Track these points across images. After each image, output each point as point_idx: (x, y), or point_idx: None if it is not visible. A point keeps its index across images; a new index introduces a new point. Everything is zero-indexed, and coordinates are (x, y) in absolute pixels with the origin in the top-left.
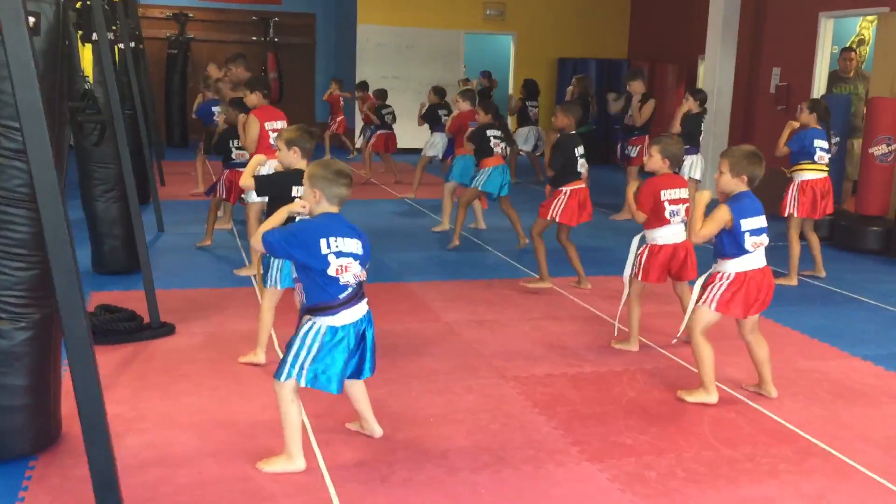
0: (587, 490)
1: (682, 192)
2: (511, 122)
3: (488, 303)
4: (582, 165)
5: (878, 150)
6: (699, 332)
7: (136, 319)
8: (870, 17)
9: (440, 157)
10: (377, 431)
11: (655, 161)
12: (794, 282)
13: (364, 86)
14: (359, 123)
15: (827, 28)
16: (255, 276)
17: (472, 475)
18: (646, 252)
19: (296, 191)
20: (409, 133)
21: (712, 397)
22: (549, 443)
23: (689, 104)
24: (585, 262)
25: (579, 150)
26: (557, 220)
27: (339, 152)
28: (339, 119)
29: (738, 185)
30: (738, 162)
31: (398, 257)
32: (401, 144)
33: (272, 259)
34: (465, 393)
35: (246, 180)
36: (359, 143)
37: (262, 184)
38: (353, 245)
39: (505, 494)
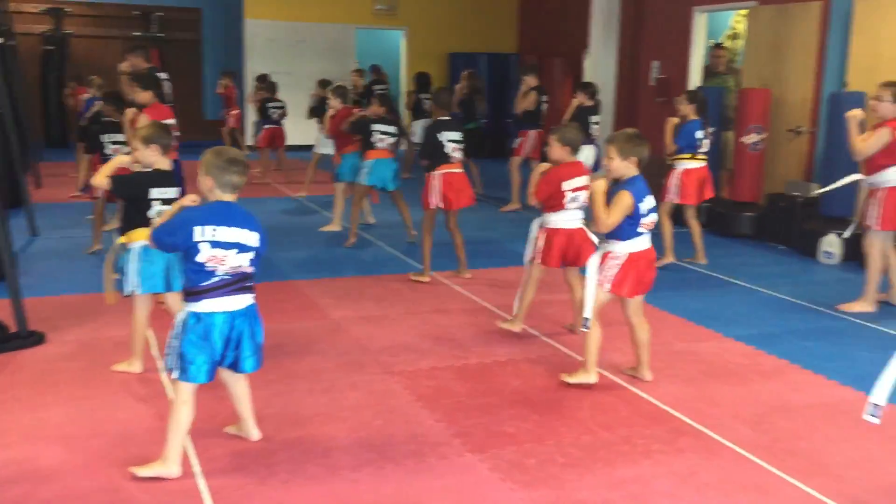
0: (467, 481)
1: (583, 180)
2: (406, 116)
3: (377, 298)
4: (454, 150)
5: (750, 139)
6: (595, 313)
7: (2, 329)
8: (742, 12)
9: (331, 154)
10: (254, 434)
11: (556, 150)
12: (670, 259)
13: (263, 79)
14: (249, 120)
15: (700, 22)
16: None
17: (354, 473)
18: (543, 236)
19: (156, 192)
20: (301, 129)
21: (591, 378)
22: (431, 436)
23: (580, 98)
24: (475, 254)
25: (449, 136)
26: (440, 206)
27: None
28: (233, 113)
29: (629, 169)
30: (624, 146)
31: (286, 256)
32: (292, 141)
33: (127, 264)
34: (350, 390)
35: (100, 179)
36: (252, 140)
37: (118, 184)
38: (240, 235)
39: (386, 491)
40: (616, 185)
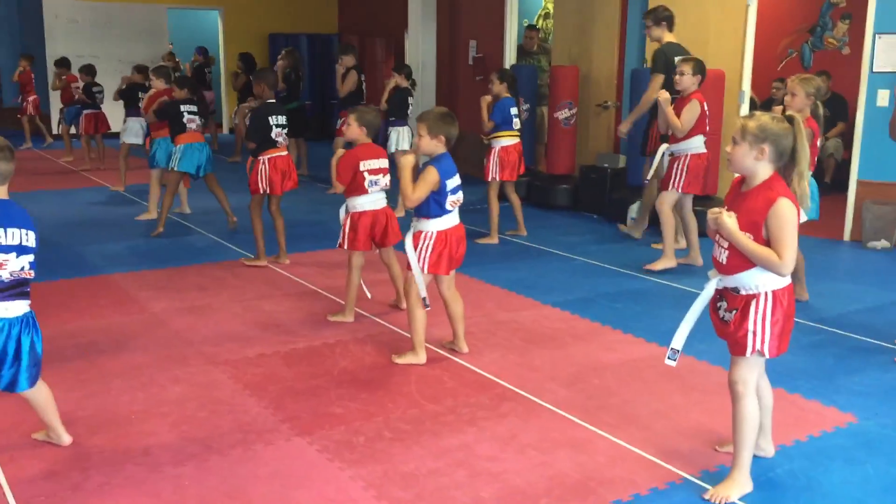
0: (296, 464)
1: (382, 163)
2: (234, 97)
3: (200, 288)
4: (278, 135)
5: (562, 114)
6: (414, 294)
7: None
8: None
9: (141, 143)
10: (65, 439)
11: (353, 130)
12: (495, 240)
13: (64, 62)
14: (55, 107)
15: (513, 3)
16: None
17: (176, 469)
18: (348, 221)
19: None
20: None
21: (420, 358)
22: (258, 423)
23: (397, 79)
24: (301, 236)
25: (275, 119)
26: (262, 191)
27: (36, 140)
28: (31, 99)
29: (437, 147)
30: (434, 124)
31: (100, 249)
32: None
33: None
34: (172, 384)
35: None
36: (58, 128)
37: None
38: (20, 237)
39: (210, 483)
40: (424, 163)
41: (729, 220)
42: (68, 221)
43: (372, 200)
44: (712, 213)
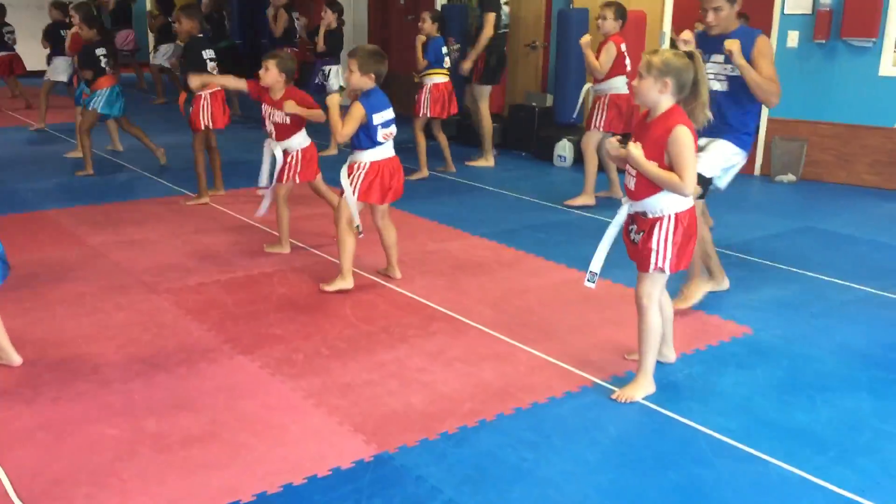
0: (239, 378)
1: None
2: (151, 39)
3: (136, 223)
4: (213, 69)
5: None
6: (344, 221)
7: None
8: None
9: (66, 80)
10: (15, 360)
11: (272, 75)
12: (425, 174)
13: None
14: None
15: None
16: None
17: (124, 385)
18: (294, 156)
19: None
20: (35, 55)
21: (348, 283)
22: (201, 344)
23: (329, 18)
24: (237, 173)
25: (208, 54)
26: (203, 125)
27: None
28: None
29: (366, 83)
30: (364, 61)
31: (33, 186)
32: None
33: None
34: (116, 311)
35: None
36: None
37: None
38: None
39: (158, 396)
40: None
41: (635, 149)
42: None
43: (299, 142)
44: (610, 143)
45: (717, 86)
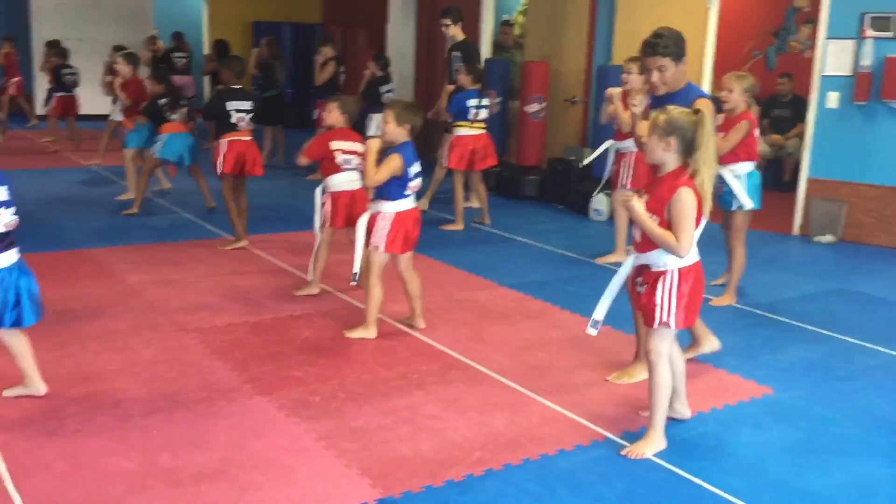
0: (255, 418)
1: (355, 146)
2: (205, 83)
3: (174, 263)
4: (239, 119)
5: (532, 108)
6: (376, 274)
7: None
8: None
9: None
10: (41, 389)
11: (334, 116)
12: (460, 227)
13: (54, 44)
14: (40, 88)
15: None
16: None
17: (144, 420)
18: (329, 200)
19: None
20: (92, 97)
21: (371, 333)
22: (223, 383)
23: (372, 69)
24: (275, 218)
25: (237, 105)
26: (222, 172)
27: (18, 119)
28: (14, 80)
29: (401, 134)
30: (400, 113)
31: (79, 225)
32: (85, 110)
33: None
34: (144, 348)
35: None
36: (43, 108)
37: None
38: (5, 192)
39: (176, 432)
40: (389, 149)
41: (637, 203)
42: (49, 199)
43: (348, 180)
44: (624, 196)
45: None
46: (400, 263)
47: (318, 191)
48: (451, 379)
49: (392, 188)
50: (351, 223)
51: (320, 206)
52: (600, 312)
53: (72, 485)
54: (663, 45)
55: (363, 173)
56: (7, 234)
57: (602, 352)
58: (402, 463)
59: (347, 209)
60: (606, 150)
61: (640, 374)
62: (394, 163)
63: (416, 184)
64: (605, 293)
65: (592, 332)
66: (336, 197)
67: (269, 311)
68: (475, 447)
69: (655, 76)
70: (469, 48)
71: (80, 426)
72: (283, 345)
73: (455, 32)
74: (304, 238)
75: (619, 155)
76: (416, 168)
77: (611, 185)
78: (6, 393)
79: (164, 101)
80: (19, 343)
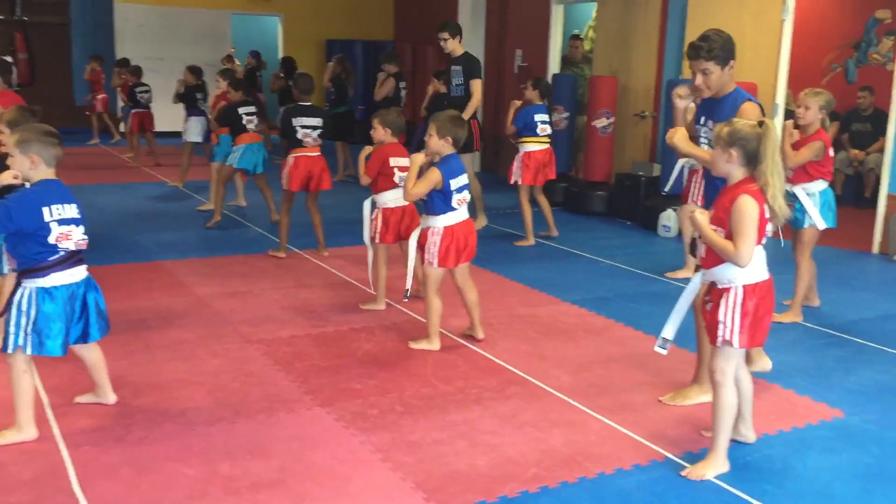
0: (314, 429)
1: (406, 161)
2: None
3: (242, 275)
4: (306, 136)
5: (600, 122)
6: (433, 289)
7: None
8: None
9: (202, 140)
10: (111, 398)
11: (378, 132)
12: (531, 241)
13: (124, 63)
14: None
15: (558, 13)
16: None
17: (207, 428)
18: (379, 215)
19: None
20: (173, 115)
21: (434, 345)
22: (284, 394)
23: (436, 85)
24: (341, 232)
25: (304, 121)
26: (286, 188)
27: (104, 136)
28: (100, 97)
29: (444, 147)
30: (443, 125)
31: (155, 238)
32: (161, 127)
33: None
34: (210, 357)
35: None
36: (123, 126)
37: None
38: (73, 210)
39: (237, 441)
40: (433, 162)
41: (700, 215)
42: (127, 212)
43: (400, 196)
44: (689, 210)
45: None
46: (456, 275)
47: (367, 204)
48: (510, 394)
49: (436, 202)
50: (402, 238)
51: (370, 221)
52: (669, 331)
53: (135, 490)
54: (707, 49)
55: (404, 187)
56: (77, 251)
57: (665, 371)
58: (457, 477)
59: (398, 226)
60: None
61: (696, 397)
62: (432, 176)
63: (462, 196)
64: (674, 311)
65: (661, 350)
66: (387, 214)
67: (332, 323)
68: (531, 464)
69: (699, 79)
70: (472, 62)
71: (146, 433)
72: (344, 357)
73: (454, 47)
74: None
75: (693, 171)
76: (461, 180)
77: (681, 201)
78: (78, 399)
79: (245, 109)
80: (93, 355)
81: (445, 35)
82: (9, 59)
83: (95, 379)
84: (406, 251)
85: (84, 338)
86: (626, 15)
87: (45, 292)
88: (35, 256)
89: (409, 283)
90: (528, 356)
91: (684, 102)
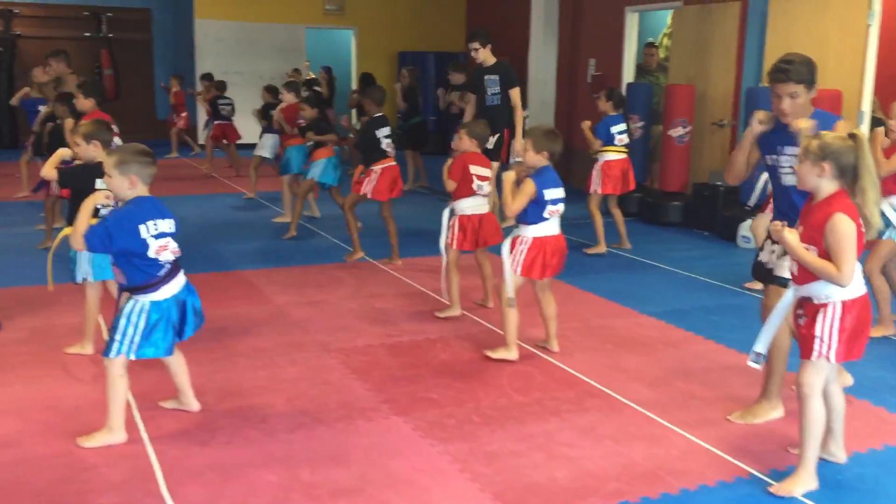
0: (391, 438)
1: (487, 171)
2: (353, 114)
3: (319, 285)
4: (388, 146)
5: (676, 132)
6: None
7: None
8: None
9: (271, 157)
10: (194, 405)
11: (464, 142)
12: (602, 249)
13: (209, 77)
14: (202, 119)
15: (632, 22)
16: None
17: (288, 435)
18: (456, 222)
19: (99, 183)
20: (250, 128)
21: (512, 354)
22: (361, 403)
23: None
24: (415, 243)
25: (383, 132)
26: (370, 196)
27: (183, 149)
28: (183, 115)
29: (540, 161)
30: (538, 139)
31: (235, 248)
32: (246, 139)
33: (77, 253)
34: (289, 366)
35: (48, 171)
36: (202, 138)
37: (65, 176)
38: (168, 225)
39: (317, 448)
40: (527, 176)
41: (790, 235)
42: (208, 223)
43: (477, 204)
44: (774, 227)
45: (791, 180)
46: (536, 286)
47: (447, 212)
48: (588, 407)
49: (529, 212)
50: (479, 246)
51: (447, 228)
52: (762, 345)
53: (220, 493)
54: (796, 71)
55: (503, 203)
56: (176, 259)
57: (748, 385)
58: (536, 490)
59: (476, 233)
60: (759, 178)
61: (766, 415)
62: (527, 188)
63: (557, 208)
64: (766, 325)
65: (755, 365)
66: (464, 221)
67: (407, 333)
68: (611, 478)
69: (787, 103)
70: (509, 70)
71: (229, 438)
72: (419, 367)
73: (486, 56)
74: (438, 262)
75: None
76: (556, 192)
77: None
78: (162, 404)
79: (319, 125)
80: (177, 361)
81: (476, 45)
82: (108, 71)
83: (178, 385)
84: (479, 259)
85: (179, 335)
86: (703, 22)
87: (156, 306)
88: (145, 273)
89: (511, 292)
90: (606, 368)
91: (762, 128)
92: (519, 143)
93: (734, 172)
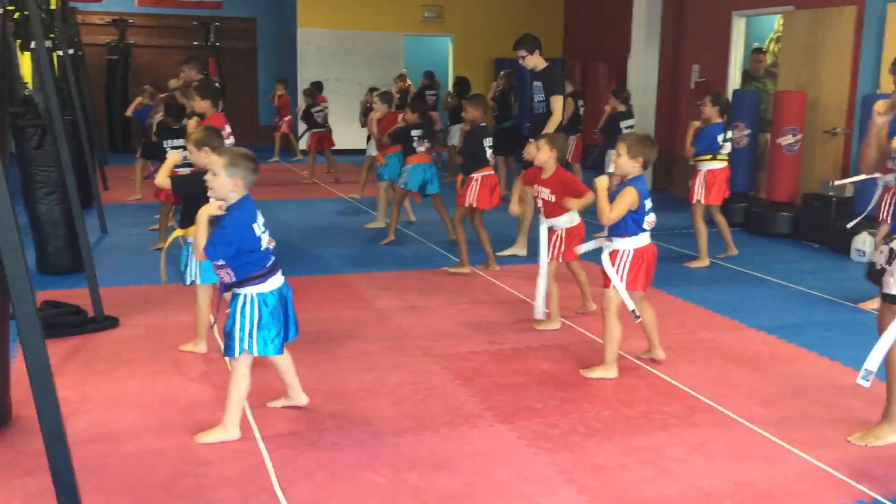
0: (496, 446)
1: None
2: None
3: (419, 290)
4: (491, 155)
5: (785, 140)
6: (614, 312)
7: (81, 313)
8: None
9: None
10: (303, 400)
11: (545, 152)
12: (705, 262)
13: (319, 86)
14: (303, 126)
15: (739, 26)
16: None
17: (394, 438)
18: (562, 234)
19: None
20: (350, 133)
21: (611, 373)
22: (466, 409)
23: (613, 104)
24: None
25: (489, 141)
26: (475, 205)
27: (285, 154)
28: (286, 119)
29: (634, 168)
30: (633, 145)
31: (336, 251)
32: (342, 145)
33: (187, 255)
34: (393, 369)
35: (162, 179)
36: (303, 144)
37: (178, 183)
38: (262, 217)
39: (422, 453)
40: (621, 183)
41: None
42: (308, 226)
43: (572, 218)
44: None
45: None
46: (634, 297)
47: (544, 225)
48: (697, 422)
49: (629, 224)
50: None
51: (545, 238)
52: (873, 363)
53: (330, 494)
54: None
55: (598, 211)
56: (274, 253)
57: (866, 405)
58: None
59: (567, 245)
60: (864, 181)
61: (890, 436)
62: (629, 196)
63: (652, 218)
64: (879, 343)
65: (864, 383)
66: (570, 232)
67: (509, 341)
68: (725, 496)
69: None
70: (553, 76)
71: (337, 439)
72: (522, 375)
73: (536, 61)
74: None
75: (886, 189)
76: (649, 203)
77: (873, 222)
78: (270, 404)
79: (416, 132)
80: (284, 359)
81: (523, 52)
82: (215, 79)
83: (287, 381)
84: (575, 269)
85: (285, 337)
86: (815, 26)
87: (263, 296)
88: (256, 265)
89: (631, 306)
90: (714, 383)
91: (883, 119)
92: (533, 147)
93: (867, 163)
